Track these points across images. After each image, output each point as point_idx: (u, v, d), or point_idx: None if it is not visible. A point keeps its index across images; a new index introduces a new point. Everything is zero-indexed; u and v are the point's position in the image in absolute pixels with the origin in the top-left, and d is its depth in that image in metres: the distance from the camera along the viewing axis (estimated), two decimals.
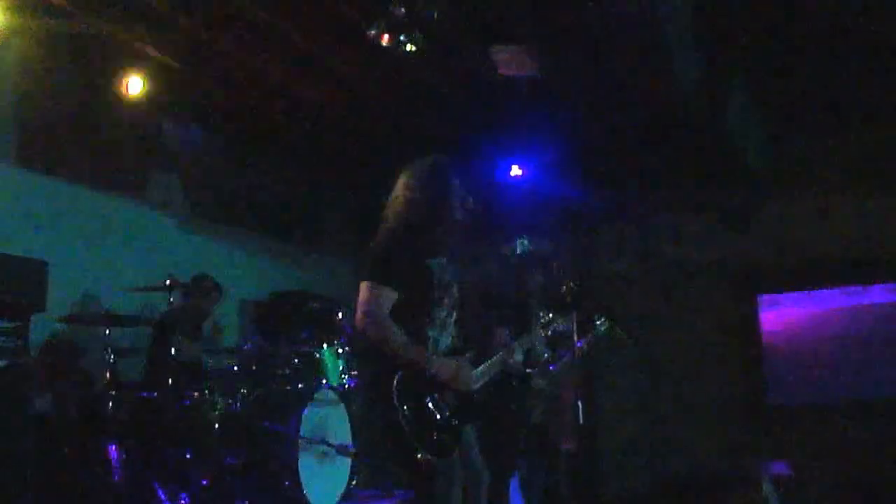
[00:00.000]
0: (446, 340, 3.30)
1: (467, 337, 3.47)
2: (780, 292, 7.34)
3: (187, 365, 5.08)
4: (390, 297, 3.11)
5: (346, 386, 5.87)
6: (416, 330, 3.15)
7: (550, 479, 5.59)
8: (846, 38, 5.49)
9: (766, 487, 4.74)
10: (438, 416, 3.14)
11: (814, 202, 7.20)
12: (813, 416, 6.94)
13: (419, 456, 3.04)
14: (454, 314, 3.35)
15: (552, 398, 5.59)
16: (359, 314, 3.10)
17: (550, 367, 5.63)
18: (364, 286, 3.12)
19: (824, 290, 7.21)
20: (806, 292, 7.27)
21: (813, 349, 7.11)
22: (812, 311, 7.22)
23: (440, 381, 3.14)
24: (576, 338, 4.89)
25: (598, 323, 5.73)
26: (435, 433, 3.11)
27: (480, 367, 3.36)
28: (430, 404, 3.14)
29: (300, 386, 5.43)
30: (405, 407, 3.05)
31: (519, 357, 3.74)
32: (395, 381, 3.05)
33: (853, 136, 7.09)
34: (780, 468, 5.73)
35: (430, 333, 3.21)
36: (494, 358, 3.47)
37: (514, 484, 5.74)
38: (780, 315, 7.30)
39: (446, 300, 3.29)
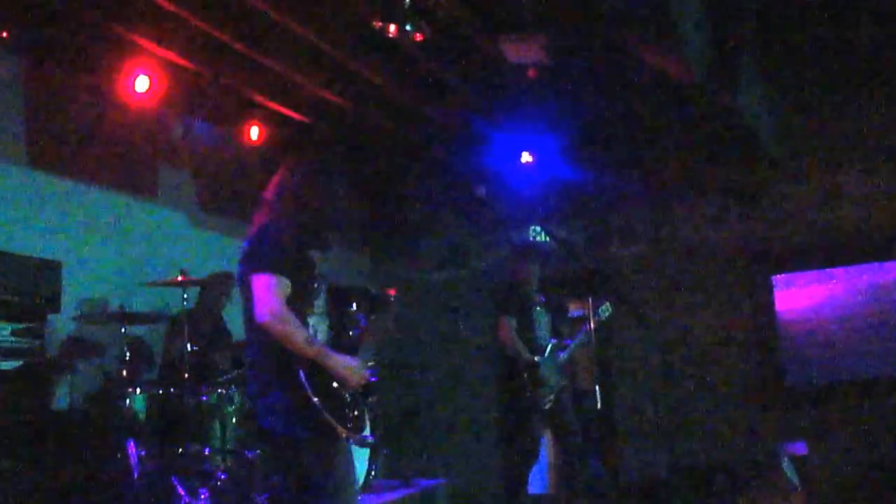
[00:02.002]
0: (323, 328, 3.37)
1: (333, 325, 3.53)
2: (795, 272, 7.28)
3: (203, 360, 5.11)
4: (287, 286, 3.14)
5: None
6: (300, 318, 3.17)
7: (574, 462, 5.59)
8: (857, 15, 5.43)
9: (786, 468, 4.72)
10: (347, 396, 3.23)
11: (826, 180, 7.14)
12: (831, 395, 6.91)
13: (343, 433, 3.11)
14: (326, 304, 3.45)
15: (562, 386, 5.58)
16: (260, 308, 3.08)
17: (559, 354, 5.63)
18: (260, 278, 3.11)
19: (839, 269, 7.15)
20: (821, 271, 7.22)
21: (829, 328, 7.07)
22: (827, 290, 7.17)
23: (338, 376, 3.21)
24: (591, 324, 4.90)
25: (601, 309, 5.74)
26: (349, 411, 3.20)
27: (359, 355, 3.42)
28: (336, 386, 3.21)
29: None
30: (317, 388, 3.10)
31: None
32: (302, 373, 3.09)
33: (864, 112, 7.03)
34: (798, 449, 5.72)
35: (311, 322, 3.25)
36: (365, 343, 3.54)
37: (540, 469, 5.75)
38: (795, 295, 7.26)
39: (321, 289, 3.39)
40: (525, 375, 5.36)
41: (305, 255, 3.28)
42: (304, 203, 3.32)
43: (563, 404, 5.56)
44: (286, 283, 3.13)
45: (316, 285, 3.32)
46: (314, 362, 3.12)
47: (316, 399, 3.06)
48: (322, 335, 3.33)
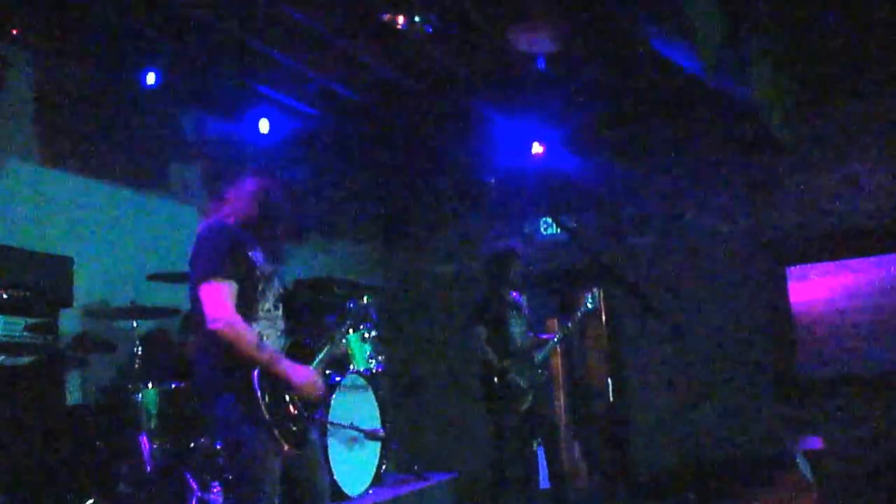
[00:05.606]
0: (275, 334, 3.30)
1: (294, 330, 3.47)
2: (809, 263, 7.22)
3: None
4: (234, 291, 3.13)
5: (374, 371, 5.89)
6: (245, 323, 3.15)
7: (554, 457, 5.66)
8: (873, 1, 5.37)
9: (800, 464, 4.69)
10: (294, 409, 3.20)
11: (840, 170, 7.07)
12: (845, 388, 6.85)
13: (286, 448, 3.09)
14: (280, 307, 3.35)
15: (540, 384, 5.62)
16: (211, 315, 3.07)
17: (536, 353, 5.67)
18: (207, 286, 3.10)
19: (853, 260, 7.08)
20: (836, 262, 7.14)
21: (844, 320, 7.00)
22: (842, 281, 7.10)
23: (290, 384, 3.18)
24: (604, 317, 4.89)
25: (588, 298, 5.79)
26: (293, 424, 3.17)
27: (314, 364, 3.36)
28: (286, 397, 3.18)
29: (327, 372, 5.44)
30: (267, 400, 3.07)
31: (342, 344, 3.71)
32: (255, 375, 3.07)
33: (880, 101, 6.95)
34: (813, 443, 5.68)
35: (256, 327, 3.20)
36: (323, 352, 3.44)
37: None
38: (809, 287, 7.19)
39: (270, 293, 3.30)
40: (496, 381, 5.44)
41: (243, 256, 3.22)
42: (246, 204, 3.33)
43: (541, 401, 5.62)
44: (232, 286, 3.12)
45: (261, 288, 3.25)
46: (266, 370, 3.10)
47: (264, 408, 3.04)
48: (272, 341, 3.25)
